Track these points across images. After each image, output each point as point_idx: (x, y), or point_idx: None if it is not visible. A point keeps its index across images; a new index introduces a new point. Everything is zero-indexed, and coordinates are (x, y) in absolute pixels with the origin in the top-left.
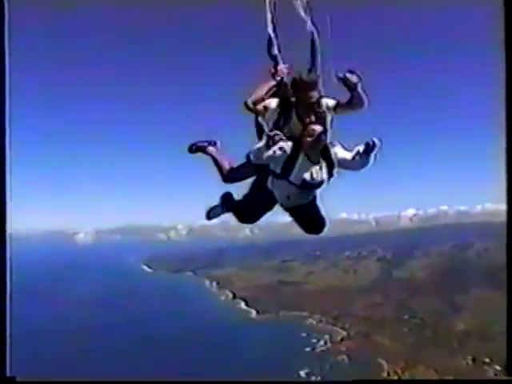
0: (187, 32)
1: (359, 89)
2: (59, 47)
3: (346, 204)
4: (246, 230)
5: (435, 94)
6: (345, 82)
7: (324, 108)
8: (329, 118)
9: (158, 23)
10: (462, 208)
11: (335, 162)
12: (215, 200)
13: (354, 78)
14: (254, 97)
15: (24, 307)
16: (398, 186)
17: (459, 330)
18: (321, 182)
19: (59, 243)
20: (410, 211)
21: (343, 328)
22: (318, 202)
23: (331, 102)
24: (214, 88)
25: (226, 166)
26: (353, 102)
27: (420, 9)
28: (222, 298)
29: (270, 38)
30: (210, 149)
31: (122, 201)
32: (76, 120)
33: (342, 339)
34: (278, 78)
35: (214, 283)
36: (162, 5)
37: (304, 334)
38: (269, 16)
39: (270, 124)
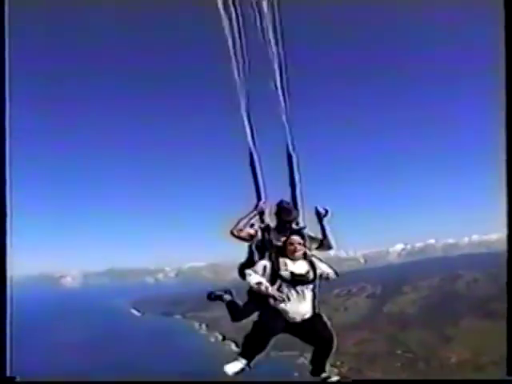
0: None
1: (324, 223)
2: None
3: (334, 242)
4: (234, 273)
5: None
6: (316, 211)
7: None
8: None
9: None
10: (450, 241)
11: (314, 261)
12: (203, 242)
13: (321, 210)
14: (237, 227)
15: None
16: (386, 221)
17: (452, 362)
18: (307, 272)
19: (46, 287)
20: (398, 246)
21: (335, 366)
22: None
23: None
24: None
25: (236, 310)
26: (323, 246)
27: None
28: (212, 340)
29: (250, 152)
30: (226, 297)
31: (109, 243)
32: (58, 158)
33: None
34: (257, 211)
35: (204, 325)
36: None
37: (296, 374)
38: (248, 131)
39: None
